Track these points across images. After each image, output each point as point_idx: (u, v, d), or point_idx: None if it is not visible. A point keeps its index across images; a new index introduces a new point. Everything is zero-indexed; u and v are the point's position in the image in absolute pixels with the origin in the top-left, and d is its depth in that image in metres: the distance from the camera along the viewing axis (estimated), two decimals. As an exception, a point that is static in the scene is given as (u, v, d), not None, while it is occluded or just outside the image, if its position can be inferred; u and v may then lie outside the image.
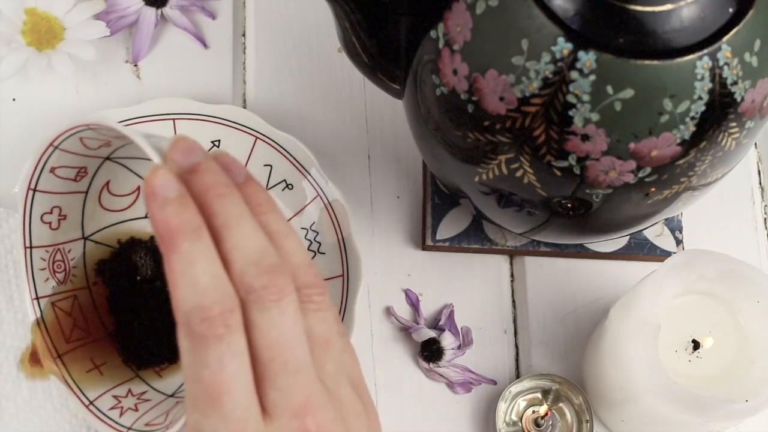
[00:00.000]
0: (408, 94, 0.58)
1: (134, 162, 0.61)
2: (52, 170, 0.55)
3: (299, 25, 0.76)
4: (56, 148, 0.54)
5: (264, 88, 0.74)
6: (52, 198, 0.57)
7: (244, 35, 0.76)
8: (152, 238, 0.65)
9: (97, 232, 0.62)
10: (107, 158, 0.59)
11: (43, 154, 0.54)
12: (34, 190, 0.56)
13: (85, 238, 0.61)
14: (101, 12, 0.72)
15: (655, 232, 0.70)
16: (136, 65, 0.74)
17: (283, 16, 0.76)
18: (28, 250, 0.56)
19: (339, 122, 0.73)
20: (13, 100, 0.72)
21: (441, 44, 0.52)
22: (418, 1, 0.55)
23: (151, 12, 0.73)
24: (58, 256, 0.59)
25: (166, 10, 0.74)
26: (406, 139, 0.64)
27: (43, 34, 0.70)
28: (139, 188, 0.64)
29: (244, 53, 0.75)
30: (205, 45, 0.75)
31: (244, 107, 0.73)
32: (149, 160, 0.52)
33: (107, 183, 0.61)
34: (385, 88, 0.60)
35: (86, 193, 0.60)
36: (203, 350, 0.39)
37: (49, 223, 0.57)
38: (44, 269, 0.57)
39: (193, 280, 0.39)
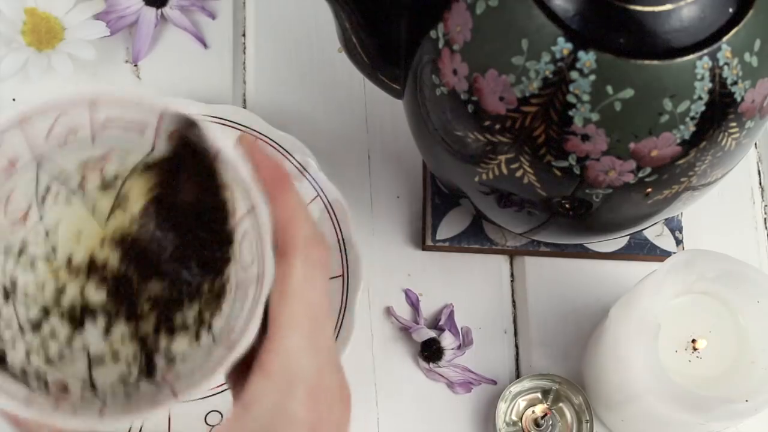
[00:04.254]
0: (408, 94, 0.58)
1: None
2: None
3: (299, 25, 0.76)
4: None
5: (264, 88, 0.74)
6: None
7: (244, 35, 0.76)
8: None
9: None
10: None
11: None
12: None
13: None
14: (101, 12, 0.72)
15: (655, 232, 0.70)
16: (136, 65, 0.74)
17: (283, 16, 0.76)
18: None
19: (339, 122, 0.73)
20: (13, 100, 0.72)
21: (441, 44, 0.52)
22: (418, 1, 0.55)
23: (151, 12, 0.73)
24: None
25: (166, 10, 0.74)
26: (406, 139, 0.64)
27: (43, 34, 0.70)
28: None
29: (244, 53, 0.75)
30: (205, 45, 0.75)
31: (244, 107, 0.73)
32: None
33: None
34: (385, 88, 0.60)
35: None
36: None
37: None
38: None
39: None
